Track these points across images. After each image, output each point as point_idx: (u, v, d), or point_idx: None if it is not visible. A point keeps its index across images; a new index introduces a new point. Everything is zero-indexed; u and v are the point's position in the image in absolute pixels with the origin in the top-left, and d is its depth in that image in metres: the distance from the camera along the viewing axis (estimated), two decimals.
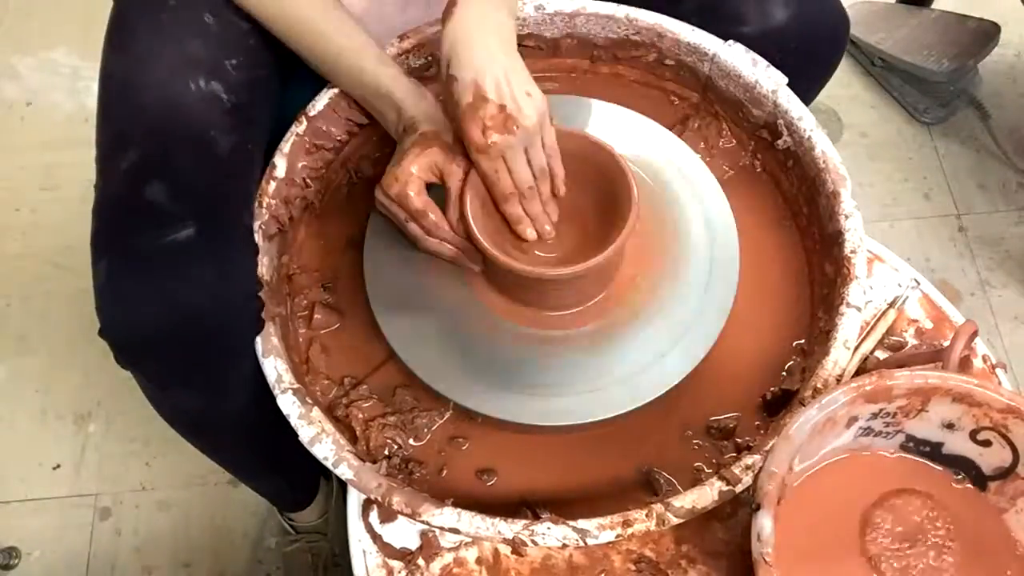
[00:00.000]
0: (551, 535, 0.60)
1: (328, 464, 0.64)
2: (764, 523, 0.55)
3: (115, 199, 0.69)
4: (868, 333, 0.76)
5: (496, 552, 0.69)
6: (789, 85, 0.78)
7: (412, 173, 0.70)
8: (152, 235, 0.66)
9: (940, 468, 0.64)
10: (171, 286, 0.66)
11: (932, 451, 0.63)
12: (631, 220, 0.68)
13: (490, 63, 0.66)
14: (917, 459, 0.64)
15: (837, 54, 0.86)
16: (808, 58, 0.82)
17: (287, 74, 0.84)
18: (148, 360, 0.70)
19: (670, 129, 0.83)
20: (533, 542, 0.60)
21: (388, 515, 0.69)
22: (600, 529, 0.60)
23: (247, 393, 0.75)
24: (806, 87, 0.79)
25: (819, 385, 0.66)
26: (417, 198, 0.70)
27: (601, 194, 0.72)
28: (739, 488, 0.62)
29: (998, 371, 0.75)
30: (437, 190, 0.72)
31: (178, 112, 0.71)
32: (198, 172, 0.70)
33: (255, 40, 0.78)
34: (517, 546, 0.60)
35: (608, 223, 0.70)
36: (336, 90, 0.80)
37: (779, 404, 0.71)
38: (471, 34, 0.67)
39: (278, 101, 0.83)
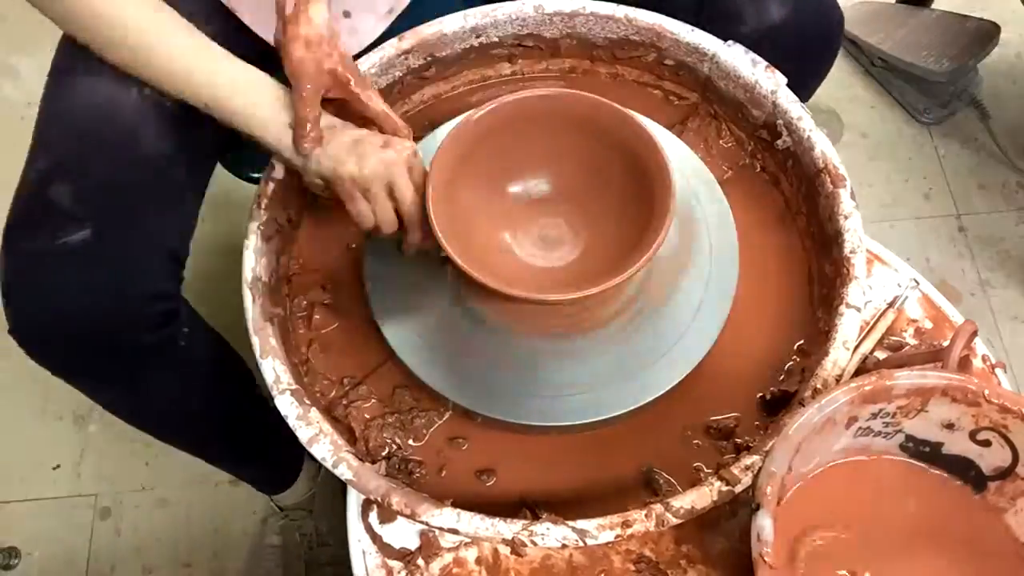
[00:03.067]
0: (550, 535, 0.60)
1: (327, 464, 0.64)
2: (764, 523, 0.55)
3: (23, 198, 0.71)
4: (868, 333, 0.76)
5: (496, 552, 0.69)
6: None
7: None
8: (48, 237, 0.67)
9: (939, 468, 0.64)
10: (62, 286, 0.67)
11: (932, 451, 0.63)
12: (661, 234, 0.64)
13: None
14: (917, 460, 0.64)
15: (832, 51, 0.86)
16: (804, 56, 0.83)
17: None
18: (51, 358, 0.73)
19: (670, 129, 0.82)
20: (532, 542, 0.60)
21: (388, 515, 0.69)
22: (599, 529, 0.60)
23: (178, 388, 0.79)
24: (802, 85, 0.80)
25: (818, 385, 0.66)
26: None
27: (626, 180, 0.69)
28: (738, 488, 0.62)
29: (998, 371, 0.75)
30: None
31: (109, 115, 0.71)
32: (110, 175, 0.71)
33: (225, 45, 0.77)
34: (516, 546, 0.60)
35: (631, 221, 0.68)
36: None
37: (779, 404, 0.71)
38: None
39: None
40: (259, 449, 1.04)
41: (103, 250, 0.68)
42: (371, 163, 0.67)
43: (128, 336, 0.71)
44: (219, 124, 0.71)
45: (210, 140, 0.79)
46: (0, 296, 0.69)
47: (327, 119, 0.70)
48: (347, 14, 0.85)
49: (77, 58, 0.72)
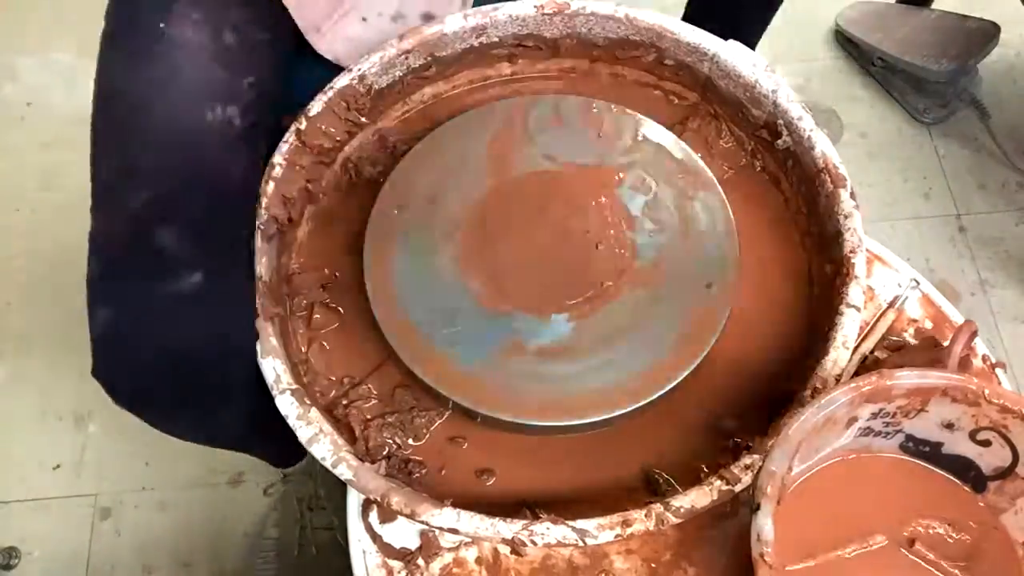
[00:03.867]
0: (550, 535, 0.60)
1: (327, 464, 0.64)
2: (763, 523, 0.55)
3: (119, 241, 0.67)
4: (868, 333, 0.76)
5: (496, 552, 0.69)
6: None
7: None
8: (158, 283, 0.64)
9: (939, 468, 0.64)
10: (172, 335, 0.64)
11: (932, 451, 0.63)
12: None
13: None
14: (916, 459, 0.64)
15: None
16: None
17: (291, 69, 0.84)
18: (142, 405, 0.69)
19: (669, 129, 0.82)
20: (532, 542, 0.60)
21: (388, 515, 0.69)
22: (599, 529, 0.60)
23: (243, 416, 0.76)
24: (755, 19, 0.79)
25: (818, 385, 0.66)
26: None
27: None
28: (738, 488, 0.62)
29: (998, 371, 0.75)
30: None
31: (194, 147, 0.68)
32: (211, 212, 0.68)
33: (268, 52, 0.77)
34: (516, 546, 0.60)
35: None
36: (335, 90, 0.80)
37: (779, 404, 0.71)
38: None
39: (278, 113, 0.82)
40: (280, 429, 1.02)
41: (214, 294, 0.66)
42: None
43: (219, 382, 0.68)
44: (272, 132, 0.70)
45: (264, 152, 0.77)
46: (92, 340, 0.65)
47: None
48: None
49: (140, 79, 0.69)
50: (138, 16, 0.73)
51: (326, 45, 0.83)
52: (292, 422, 0.66)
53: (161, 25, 0.70)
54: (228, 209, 0.70)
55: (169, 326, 0.65)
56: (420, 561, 0.68)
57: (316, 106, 0.79)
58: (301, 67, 0.85)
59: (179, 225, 0.66)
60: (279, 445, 1.01)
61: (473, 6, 0.84)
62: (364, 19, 0.84)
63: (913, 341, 0.77)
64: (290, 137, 0.78)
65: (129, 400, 0.68)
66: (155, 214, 0.66)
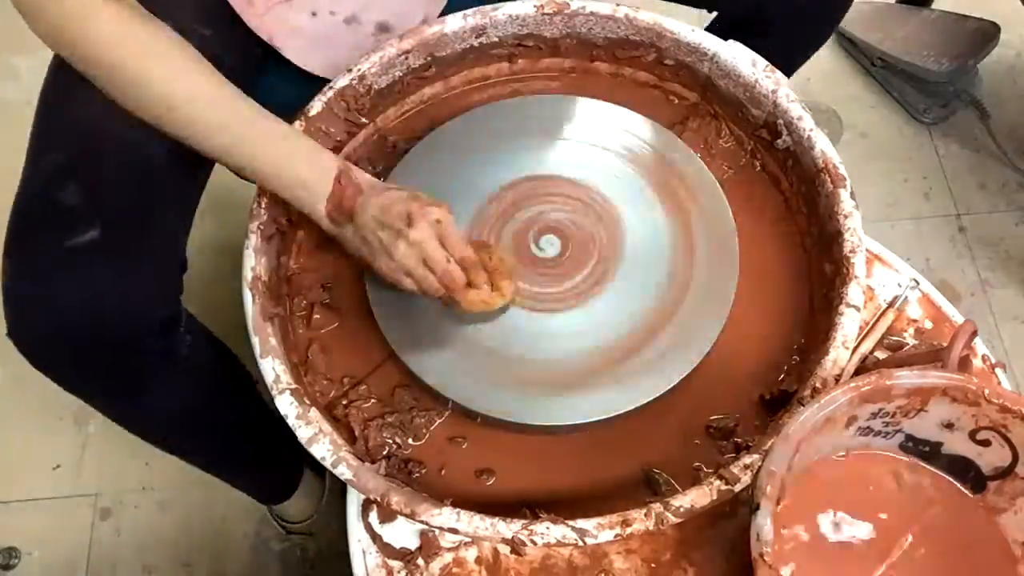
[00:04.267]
0: (550, 535, 0.60)
1: (327, 464, 0.64)
2: (763, 523, 0.55)
3: (28, 197, 0.69)
4: (867, 333, 0.76)
5: (495, 552, 0.69)
6: (779, 51, 0.78)
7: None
8: (57, 237, 0.66)
9: (939, 468, 0.64)
10: (67, 290, 0.65)
11: (931, 451, 0.63)
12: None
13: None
14: (916, 459, 0.64)
15: (832, 24, 0.86)
16: (802, 26, 0.83)
17: (259, 69, 0.83)
18: (54, 364, 0.70)
19: (670, 129, 0.83)
20: (532, 542, 0.60)
21: (387, 515, 0.69)
22: (599, 529, 0.60)
23: (183, 396, 0.76)
24: (794, 58, 0.79)
25: (818, 384, 0.66)
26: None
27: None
28: (738, 487, 0.62)
29: (997, 371, 0.75)
30: None
31: (113, 116, 0.70)
32: (121, 175, 0.69)
33: (229, 49, 0.77)
34: (516, 546, 0.60)
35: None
36: (335, 90, 0.80)
37: (778, 404, 0.71)
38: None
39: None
40: (259, 456, 1.02)
41: (111, 251, 0.67)
42: (400, 252, 0.68)
43: (132, 343, 0.69)
44: None
45: None
46: (0, 300, 0.67)
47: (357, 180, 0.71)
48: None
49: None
50: None
51: (258, 21, 0.82)
52: (291, 422, 0.66)
53: None
54: (140, 175, 0.71)
55: (62, 279, 0.65)
56: (420, 561, 0.68)
57: (316, 106, 0.79)
58: (272, 78, 0.85)
59: (85, 183, 0.68)
60: (248, 467, 1.02)
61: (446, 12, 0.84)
62: (313, 13, 0.83)
63: (913, 341, 0.77)
64: None
65: (38, 358, 0.69)
66: (65, 173, 0.68)
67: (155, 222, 0.71)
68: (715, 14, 0.96)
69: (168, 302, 0.71)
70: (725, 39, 0.81)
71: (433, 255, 0.68)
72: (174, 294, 0.72)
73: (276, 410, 0.67)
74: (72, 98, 0.71)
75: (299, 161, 0.70)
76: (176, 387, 0.77)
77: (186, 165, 0.75)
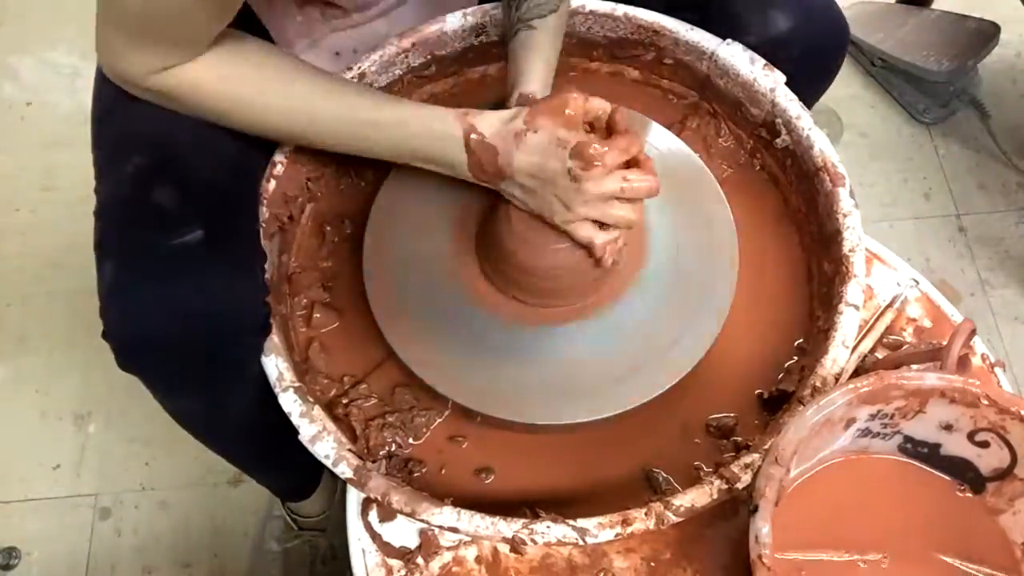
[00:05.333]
0: (550, 534, 0.60)
1: (328, 463, 0.64)
2: (761, 525, 0.55)
3: (120, 201, 0.68)
4: (867, 332, 0.76)
5: (495, 551, 0.69)
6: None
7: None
8: (160, 238, 0.65)
9: (938, 470, 0.64)
10: (179, 290, 0.65)
11: (930, 452, 0.63)
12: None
13: None
14: (915, 461, 0.64)
15: (837, 63, 0.86)
16: (809, 66, 0.82)
17: None
18: (151, 364, 0.69)
19: (669, 128, 0.83)
20: (532, 541, 0.60)
21: (387, 514, 0.69)
22: (599, 528, 0.60)
23: (251, 395, 0.75)
24: (806, 95, 0.79)
25: (817, 384, 0.66)
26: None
27: None
28: (738, 486, 0.62)
29: (997, 370, 0.75)
30: None
31: (180, 115, 0.70)
32: (206, 174, 0.70)
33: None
34: (516, 545, 0.60)
35: None
36: None
37: (778, 403, 0.71)
38: None
39: None
40: (292, 454, 1.01)
41: (217, 250, 0.66)
42: (577, 208, 0.66)
43: (235, 341, 0.68)
44: None
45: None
46: (101, 299, 0.65)
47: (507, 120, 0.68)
48: None
49: None
50: None
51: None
52: (295, 420, 0.66)
53: None
54: (222, 173, 0.71)
55: (173, 279, 0.65)
56: (420, 560, 0.68)
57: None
58: None
59: (177, 184, 0.68)
60: (283, 467, 1.01)
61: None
62: (337, 54, 0.85)
63: (912, 340, 0.77)
64: None
65: (135, 358, 0.68)
66: (153, 175, 0.68)
67: (246, 218, 0.72)
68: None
69: (263, 301, 0.70)
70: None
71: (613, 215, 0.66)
72: (266, 293, 0.71)
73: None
74: (132, 100, 0.70)
75: (424, 140, 0.70)
76: (250, 390, 0.74)
77: (256, 164, 0.75)
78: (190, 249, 0.65)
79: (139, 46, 0.65)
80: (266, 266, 0.72)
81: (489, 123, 0.68)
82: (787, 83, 0.78)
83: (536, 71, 0.74)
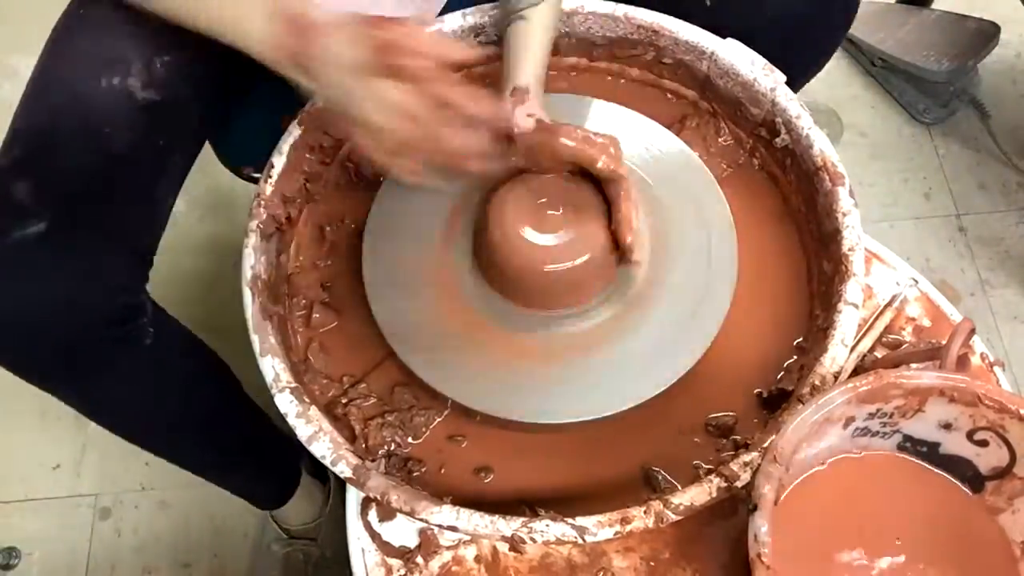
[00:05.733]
0: (550, 532, 0.60)
1: (326, 463, 0.64)
2: (760, 524, 0.55)
3: None
4: (866, 331, 0.76)
5: (495, 550, 0.69)
6: (788, 66, 0.78)
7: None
8: (7, 232, 0.66)
9: (937, 469, 0.64)
10: (17, 286, 0.66)
11: (929, 451, 0.63)
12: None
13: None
14: (914, 460, 0.64)
15: (834, 42, 0.85)
16: (808, 43, 0.82)
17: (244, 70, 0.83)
18: (8, 360, 0.70)
19: (668, 127, 0.82)
20: (532, 540, 0.60)
21: (387, 513, 0.69)
22: (599, 527, 0.60)
23: (145, 386, 0.76)
24: (794, 68, 0.79)
25: (816, 383, 0.66)
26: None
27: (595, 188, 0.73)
28: (737, 485, 0.62)
29: (996, 369, 0.75)
30: None
31: (75, 109, 0.71)
32: (72, 170, 0.70)
33: (202, 43, 0.76)
34: (515, 544, 0.60)
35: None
36: None
37: (777, 401, 0.71)
38: None
39: (215, 101, 0.82)
40: (249, 459, 1.01)
41: (57, 243, 0.67)
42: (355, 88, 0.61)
43: (82, 332, 0.69)
44: (200, 117, 0.74)
45: (188, 135, 0.79)
46: None
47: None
48: None
49: (59, 52, 0.74)
50: (71, 6, 0.79)
51: None
52: (291, 420, 0.66)
53: (81, 11, 0.77)
54: (98, 170, 0.71)
55: (10, 273, 0.66)
56: (419, 559, 0.68)
57: (316, 104, 0.79)
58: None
59: (37, 179, 0.68)
60: (235, 468, 1.01)
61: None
62: None
63: (911, 339, 0.77)
64: (289, 136, 0.78)
65: (3, 356, 0.69)
66: (18, 168, 0.69)
67: (108, 214, 0.71)
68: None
69: (123, 292, 0.71)
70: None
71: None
72: (130, 285, 0.72)
73: (275, 410, 0.67)
74: (40, 95, 0.73)
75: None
76: (138, 376, 0.76)
77: (153, 159, 0.75)
78: (27, 243, 0.66)
79: None
80: (259, 259, 0.72)
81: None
82: (778, 52, 0.78)
83: (529, 62, 0.74)
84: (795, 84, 0.79)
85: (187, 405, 0.86)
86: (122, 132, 0.72)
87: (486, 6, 0.83)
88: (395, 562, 0.68)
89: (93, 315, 0.69)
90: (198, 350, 0.88)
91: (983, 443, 0.61)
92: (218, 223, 1.35)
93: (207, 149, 0.90)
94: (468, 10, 0.83)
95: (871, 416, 0.61)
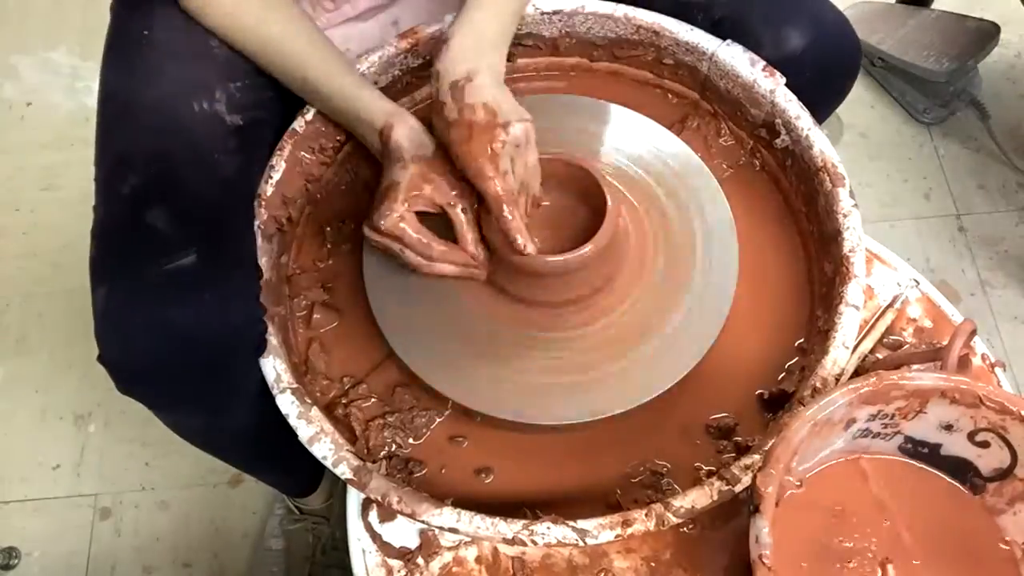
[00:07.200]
0: (551, 535, 0.60)
1: (327, 463, 0.64)
2: (762, 525, 0.55)
3: (115, 224, 0.69)
4: (867, 332, 0.76)
5: (495, 551, 0.69)
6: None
7: (405, 208, 0.69)
8: (153, 262, 0.65)
9: (938, 470, 0.64)
10: (171, 314, 0.65)
11: (930, 453, 0.63)
12: (609, 219, 0.69)
13: (481, 91, 0.67)
14: (915, 461, 0.64)
15: (850, 81, 0.85)
16: (822, 85, 0.82)
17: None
18: (148, 388, 0.69)
19: (669, 128, 0.82)
20: (533, 542, 0.60)
21: (387, 514, 0.69)
22: (600, 529, 0.60)
23: (251, 410, 0.75)
24: (817, 112, 0.79)
25: (818, 384, 0.66)
26: (413, 231, 0.69)
27: (586, 209, 0.73)
28: (738, 488, 0.62)
29: (997, 370, 0.75)
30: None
31: (180, 134, 0.71)
32: (201, 196, 0.70)
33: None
34: (517, 546, 0.60)
35: (594, 230, 0.70)
36: None
37: (778, 403, 0.71)
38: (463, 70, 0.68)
39: (285, 120, 0.82)
40: (295, 454, 1.01)
41: (210, 273, 0.66)
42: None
43: (222, 364, 0.68)
44: (272, 139, 0.78)
45: (264, 156, 0.79)
46: (95, 323, 0.66)
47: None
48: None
49: (140, 74, 0.74)
50: (126, 25, 0.79)
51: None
52: (292, 421, 0.66)
53: (145, 32, 0.77)
54: (218, 195, 0.71)
55: (165, 304, 0.65)
56: (420, 560, 0.68)
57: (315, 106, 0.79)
58: None
59: (170, 206, 0.68)
60: (285, 468, 1.02)
61: None
62: (347, 50, 0.86)
63: (912, 340, 0.77)
64: (290, 137, 0.78)
65: (132, 382, 0.68)
66: (147, 197, 0.69)
67: (239, 239, 0.72)
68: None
69: (260, 319, 0.70)
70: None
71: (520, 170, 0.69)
72: (261, 312, 0.71)
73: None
74: (133, 119, 0.72)
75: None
76: (250, 401, 0.74)
77: (248, 181, 0.76)
78: (183, 273, 0.65)
79: None
80: (260, 259, 0.72)
81: (403, 132, 0.72)
82: (800, 99, 0.78)
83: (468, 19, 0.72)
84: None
85: (263, 414, 0.85)
86: (224, 157, 0.72)
87: None
88: (396, 563, 0.68)
89: (239, 344, 0.68)
90: None
91: (984, 444, 0.61)
92: None
93: None
94: None
95: (872, 418, 0.61)
